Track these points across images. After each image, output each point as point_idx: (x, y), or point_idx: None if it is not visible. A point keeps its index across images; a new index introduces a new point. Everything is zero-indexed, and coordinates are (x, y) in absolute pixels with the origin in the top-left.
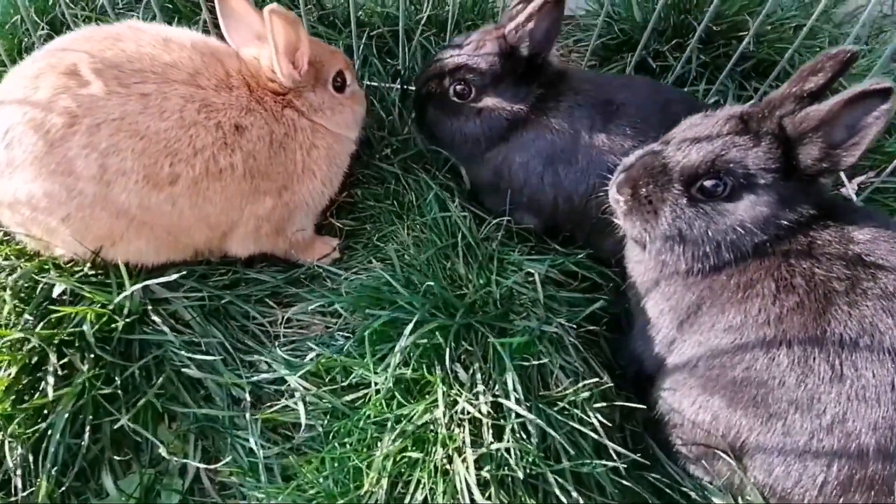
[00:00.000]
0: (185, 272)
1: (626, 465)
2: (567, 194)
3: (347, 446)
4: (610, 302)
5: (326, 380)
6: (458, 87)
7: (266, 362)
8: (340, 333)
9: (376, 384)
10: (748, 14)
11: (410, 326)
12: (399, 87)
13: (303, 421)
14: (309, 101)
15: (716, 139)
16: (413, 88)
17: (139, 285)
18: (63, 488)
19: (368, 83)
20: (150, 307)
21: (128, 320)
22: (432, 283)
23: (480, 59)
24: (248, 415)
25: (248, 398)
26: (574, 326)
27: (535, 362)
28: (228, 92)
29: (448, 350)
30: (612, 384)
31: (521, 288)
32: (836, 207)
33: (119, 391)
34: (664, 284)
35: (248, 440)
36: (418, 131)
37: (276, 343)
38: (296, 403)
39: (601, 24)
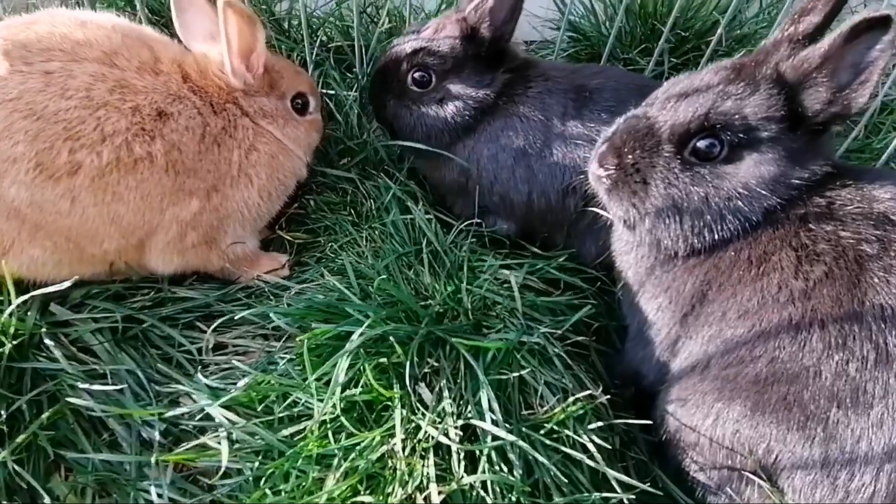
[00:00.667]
0: (96, 289)
1: (632, 498)
2: (542, 190)
3: (283, 493)
4: (600, 309)
5: (260, 409)
6: (418, 74)
7: (188, 393)
8: (281, 356)
9: (320, 410)
10: (720, 15)
11: (358, 333)
12: (356, 94)
13: (223, 463)
14: (259, 104)
15: (706, 91)
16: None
17: (23, 298)
18: None
19: (326, 92)
20: (45, 330)
21: (15, 343)
22: (392, 292)
23: (440, 42)
24: (154, 458)
25: (158, 436)
26: (559, 337)
27: (515, 374)
28: (154, 76)
29: (409, 365)
30: (606, 400)
31: (496, 296)
32: (845, 168)
33: (3, 427)
34: (660, 272)
35: (156, 491)
36: (379, 125)
37: (206, 372)
38: (219, 442)
39: (562, 40)
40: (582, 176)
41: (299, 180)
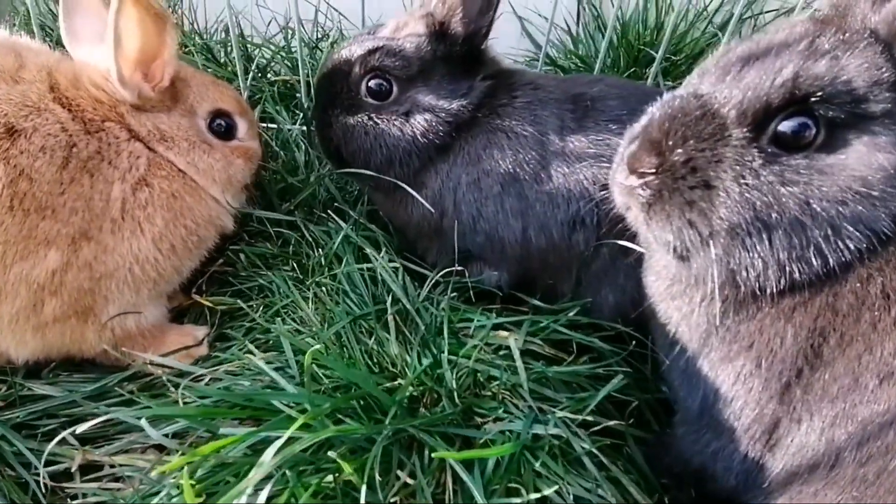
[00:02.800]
0: None
1: None
2: (540, 224)
3: None
4: (629, 378)
5: None
6: (374, 83)
7: None
8: (175, 479)
9: None
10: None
11: (277, 446)
12: (300, 126)
13: None
14: (155, 122)
15: (786, 51)
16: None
17: None
18: None
19: (269, 126)
20: None
21: None
22: (340, 373)
23: (402, 41)
24: None
25: None
26: (582, 422)
27: (533, 497)
28: (10, 84)
29: (365, 489)
30: None
31: (491, 369)
32: None
33: None
34: (736, 321)
35: None
36: (325, 155)
37: None
38: None
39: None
40: (593, 202)
41: (222, 231)
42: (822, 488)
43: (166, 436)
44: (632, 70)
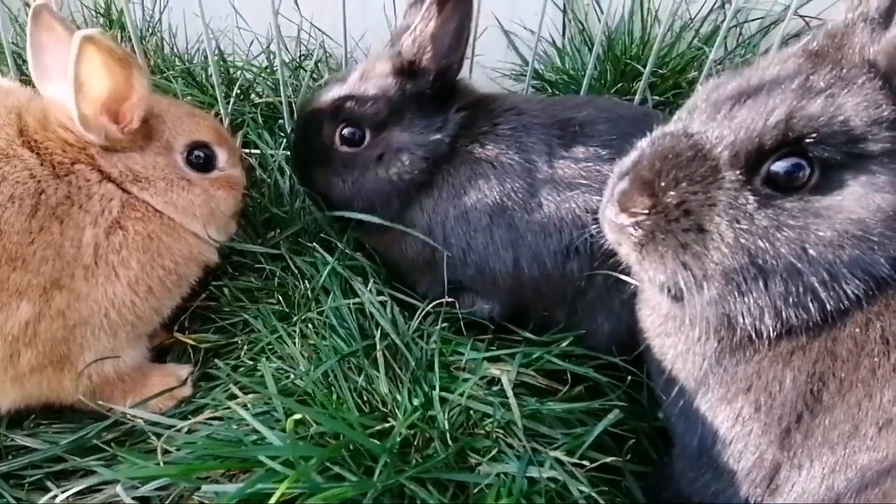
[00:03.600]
0: None
1: None
2: (532, 254)
3: None
4: (626, 410)
5: None
6: (347, 131)
7: None
8: None
9: None
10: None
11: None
12: (284, 152)
13: None
14: (127, 163)
15: (779, 88)
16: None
17: None
18: None
19: (250, 152)
20: None
21: None
22: (327, 418)
23: (370, 86)
24: None
25: None
26: (582, 463)
27: None
28: None
29: None
30: None
31: (482, 405)
32: None
33: None
34: (733, 363)
35: None
36: (311, 200)
37: None
38: None
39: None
40: (586, 230)
41: (206, 265)
42: None
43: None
44: (619, 85)
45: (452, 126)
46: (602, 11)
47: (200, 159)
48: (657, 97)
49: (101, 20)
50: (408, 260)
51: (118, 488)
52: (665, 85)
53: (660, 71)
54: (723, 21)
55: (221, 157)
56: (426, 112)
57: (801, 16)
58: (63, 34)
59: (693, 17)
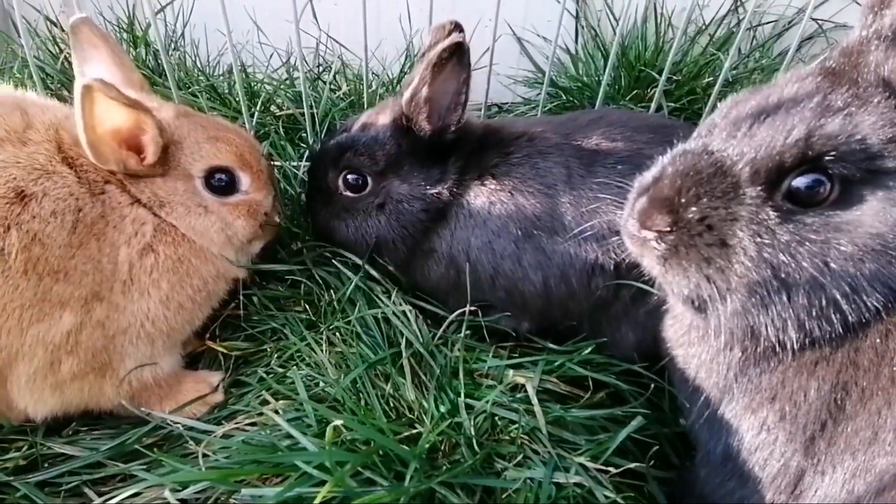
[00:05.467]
0: None
1: None
2: (561, 274)
3: None
4: (650, 417)
5: None
6: (351, 177)
7: None
8: None
9: None
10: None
11: None
12: (307, 163)
13: None
14: (152, 188)
15: (797, 107)
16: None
17: None
18: None
19: (272, 163)
20: None
21: None
22: (359, 424)
23: (370, 138)
24: None
25: None
26: (606, 469)
27: None
28: (18, 146)
29: None
30: None
31: (507, 412)
32: None
33: None
34: (757, 373)
35: None
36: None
37: None
38: None
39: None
40: (609, 248)
41: (234, 279)
42: None
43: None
44: (634, 92)
45: (451, 176)
46: (616, 18)
47: (223, 182)
48: (672, 104)
49: (125, 35)
50: (431, 284)
51: (166, 492)
52: (680, 91)
53: (674, 77)
54: (736, 25)
55: (244, 181)
56: (425, 164)
57: (814, 19)
58: (106, 48)
59: (707, 22)
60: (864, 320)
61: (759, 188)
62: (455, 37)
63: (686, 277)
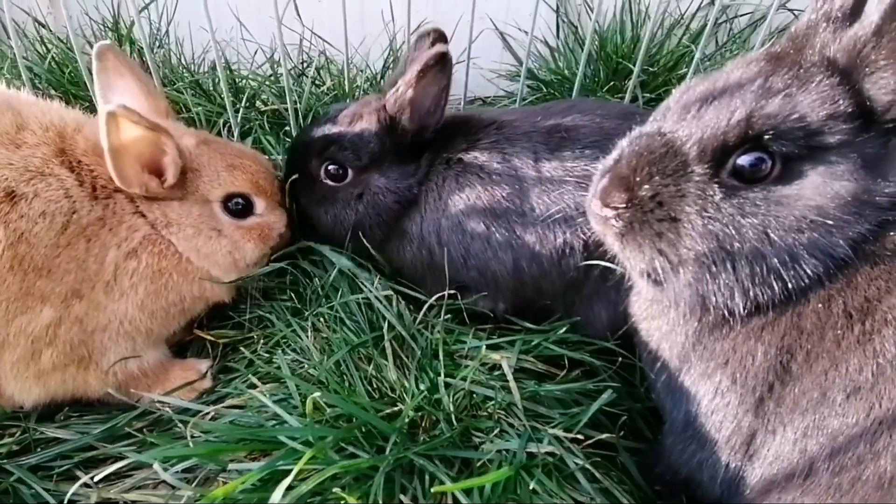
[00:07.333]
0: None
1: None
2: (531, 254)
3: None
4: (621, 391)
5: None
6: (332, 167)
7: None
8: None
9: None
10: (689, 45)
11: (289, 480)
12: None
13: None
14: (165, 210)
15: (741, 90)
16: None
17: None
18: None
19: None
20: None
21: None
22: (340, 406)
23: (355, 135)
24: None
25: None
26: (578, 438)
27: None
28: (11, 148)
29: None
30: None
31: (485, 389)
32: None
33: None
34: (711, 341)
35: None
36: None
37: None
38: None
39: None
40: (577, 226)
41: (216, 302)
42: (798, 496)
43: (187, 470)
44: (611, 84)
45: (423, 169)
46: (593, 11)
47: (240, 206)
48: (648, 94)
49: (110, 34)
50: (407, 264)
51: (156, 465)
52: (655, 82)
53: (650, 69)
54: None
55: (259, 204)
56: (403, 160)
57: (789, 9)
58: (132, 77)
59: (682, 14)
60: (803, 286)
61: (706, 166)
62: (440, 47)
63: (641, 252)
